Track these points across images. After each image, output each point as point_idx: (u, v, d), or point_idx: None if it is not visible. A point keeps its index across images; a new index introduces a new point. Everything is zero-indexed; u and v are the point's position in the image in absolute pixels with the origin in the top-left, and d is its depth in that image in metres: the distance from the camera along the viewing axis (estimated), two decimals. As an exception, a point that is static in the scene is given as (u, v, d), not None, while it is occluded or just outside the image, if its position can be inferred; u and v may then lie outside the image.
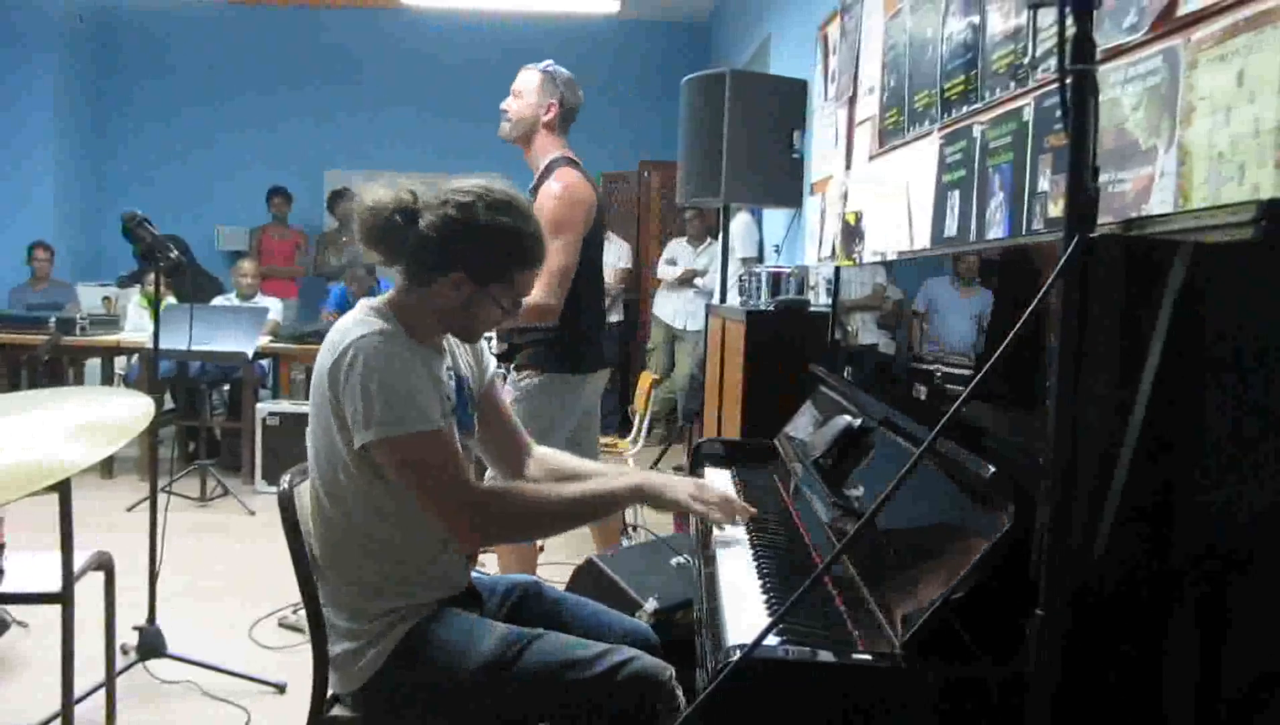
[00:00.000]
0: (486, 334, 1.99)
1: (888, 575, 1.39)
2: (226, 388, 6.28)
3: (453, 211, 1.71)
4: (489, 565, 3.45)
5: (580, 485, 1.82)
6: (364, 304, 1.79)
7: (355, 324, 1.70)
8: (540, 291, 2.79)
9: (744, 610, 1.49)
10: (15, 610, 3.25)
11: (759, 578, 1.65)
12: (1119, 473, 1.09)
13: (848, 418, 1.95)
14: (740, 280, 4.07)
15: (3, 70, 8.12)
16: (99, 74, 8.84)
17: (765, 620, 1.37)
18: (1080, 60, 1.03)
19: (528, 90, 3.07)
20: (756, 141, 4.41)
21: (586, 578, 2.48)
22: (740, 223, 5.95)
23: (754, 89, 4.47)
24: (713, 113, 4.37)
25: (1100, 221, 1.07)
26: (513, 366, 3.07)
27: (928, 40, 3.07)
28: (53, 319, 5.88)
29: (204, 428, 5.74)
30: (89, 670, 2.55)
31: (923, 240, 3.05)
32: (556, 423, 3.02)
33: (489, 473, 2.13)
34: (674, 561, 2.45)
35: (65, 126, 8.45)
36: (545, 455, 2.09)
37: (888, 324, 2.09)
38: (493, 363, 2.02)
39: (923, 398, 1.74)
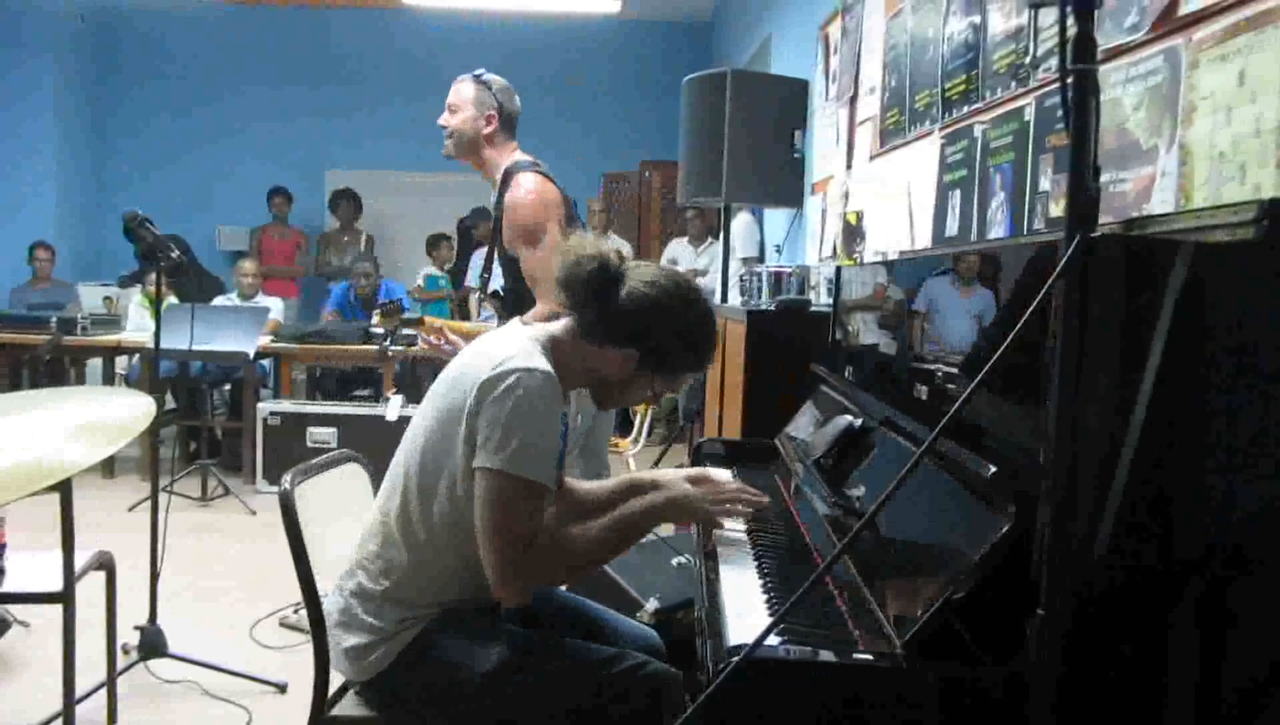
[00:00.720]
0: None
1: (889, 575, 1.39)
2: (228, 387, 6.28)
3: (655, 293, 1.70)
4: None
5: (604, 524, 1.74)
6: (528, 331, 1.77)
7: (523, 352, 1.66)
8: (544, 299, 2.76)
9: (745, 610, 1.49)
10: (16, 610, 3.25)
11: (760, 578, 1.65)
12: (1120, 472, 1.09)
13: (849, 418, 1.95)
14: (741, 280, 4.07)
15: (3, 70, 8.13)
16: (100, 74, 8.84)
17: (766, 620, 1.37)
18: (1081, 60, 1.03)
19: (464, 103, 2.96)
20: (757, 141, 4.41)
21: (588, 577, 2.48)
22: (741, 222, 5.95)
23: (755, 89, 4.47)
24: (713, 113, 4.37)
25: (1101, 221, 1.07)
26: None
27: (929, 40, 3.07)
28: (54, 319, 5.89)
29: (205, 427, 5.74)
30: (90, 670, 2.55)
31: (924, 240, 3.05)
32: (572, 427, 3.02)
33: None
34: (675, 561, 2.46)
35: (66, 126, 8.46)
36: (567, 486, 2.08)
37: (889, 324, 2.08)
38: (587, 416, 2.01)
39: (923, 398, 1.74)
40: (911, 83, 3.22)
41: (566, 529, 1.79)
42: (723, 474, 2.07)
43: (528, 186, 2.86)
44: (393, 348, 5.47)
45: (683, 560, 2.44)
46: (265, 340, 5.85)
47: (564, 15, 8.32)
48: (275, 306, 6.51)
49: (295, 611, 3.49)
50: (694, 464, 2.54)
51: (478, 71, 3.01)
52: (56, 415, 1.74)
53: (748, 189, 4.49)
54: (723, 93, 4.34)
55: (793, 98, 4.58)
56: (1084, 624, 1.07)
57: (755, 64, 6.41)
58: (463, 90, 2.97)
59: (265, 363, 6.17)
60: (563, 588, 2.09)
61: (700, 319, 1.75)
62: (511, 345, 1.69)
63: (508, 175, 2.93)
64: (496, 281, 3.05)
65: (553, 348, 1.73)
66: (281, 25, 8.85)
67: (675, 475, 2.01)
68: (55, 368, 6.33)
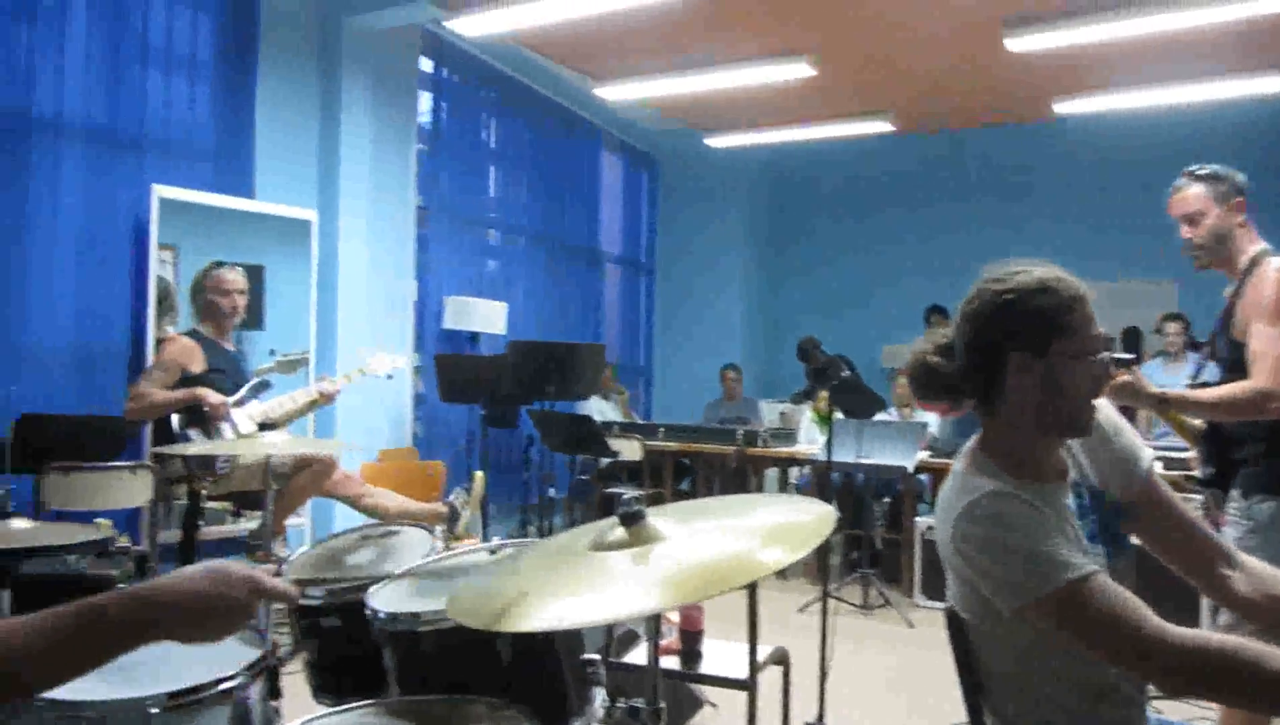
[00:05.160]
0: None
1: None
2: (887, 499, 6.51)
3: (973, 303, 1.66)
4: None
5: None
6: (963, 458, 1.70)
7: (959, 492, 1.60)
8: (1260, 376, 2.46)
9: None
10: (708, 692, 3.63)
11: None
12: None
13: None
14: None
15: (707, 219, 9.68)
16: (774, 214, 10.08)
17: None
18: None
19: (1206, 205, 2.70)
20: None
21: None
22: None
23: None
24: None
25: None
26: (1234, 491, 2.62)
27: None
28: (739, 432, 6.67)
29: (867, 537, 5.98)
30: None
31: None
32: None
33: None
34: None
35: (750, 264, 9.78)
36: (1257, 568, 1.72)
37: None
38: (1146, 453, 1.75)
39: None
40: None
41: (1249, 645, 1.42)
42: None
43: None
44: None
45: None
46: (923, 455, 5.98)
47: (1232, 101, 7.28)
48: (932, 422, 6.63)
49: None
50: None
51: (1193, 170, 2.77)
52: (749, 519, 1.94)
53: None
54: None
55: None
56: None
57: None
58: (1195, 196, 2.74)
59: (923, 477, 6.29)
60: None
61: (1028, 279, 1.65)
62: (953, 491, 1.63)
63: (1257, 259, 2.66)
64: (1209, 375, 2.80)
65: (991, 453, 1.63)
66: (931, 147, 9.20)
67: None
68: (740, 475, 7.12)
